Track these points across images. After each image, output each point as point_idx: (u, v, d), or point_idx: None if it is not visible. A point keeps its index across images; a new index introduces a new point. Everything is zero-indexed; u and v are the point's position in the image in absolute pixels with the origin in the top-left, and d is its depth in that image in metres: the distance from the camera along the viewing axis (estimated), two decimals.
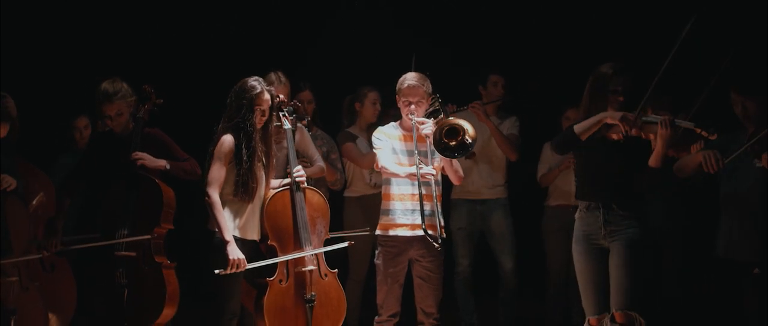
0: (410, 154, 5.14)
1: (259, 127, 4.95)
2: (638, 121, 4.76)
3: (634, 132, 4.76)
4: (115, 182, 5.27)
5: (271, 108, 5.02)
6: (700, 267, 5.94)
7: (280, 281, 4.98)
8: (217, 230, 4.84)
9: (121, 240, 5.13)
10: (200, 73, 7.10)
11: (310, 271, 5.01)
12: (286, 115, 5.31)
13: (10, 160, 4.97)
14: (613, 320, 4.79)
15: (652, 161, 4.75)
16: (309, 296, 4.98)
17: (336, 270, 5.16)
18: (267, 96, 4.97)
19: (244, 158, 4.87)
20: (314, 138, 5.91)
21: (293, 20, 7.51)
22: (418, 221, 5.07)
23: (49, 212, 5.22)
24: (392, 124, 5.31)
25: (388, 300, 5.16)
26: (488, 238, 6.42)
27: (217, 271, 4.76)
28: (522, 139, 6.45)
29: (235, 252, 4.80)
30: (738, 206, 4.90)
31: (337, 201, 6.25)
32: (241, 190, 4.89)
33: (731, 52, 4.90)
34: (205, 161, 5.04)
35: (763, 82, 4.90)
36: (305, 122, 5.71)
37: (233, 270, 4.79)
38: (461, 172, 5.25)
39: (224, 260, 4.78)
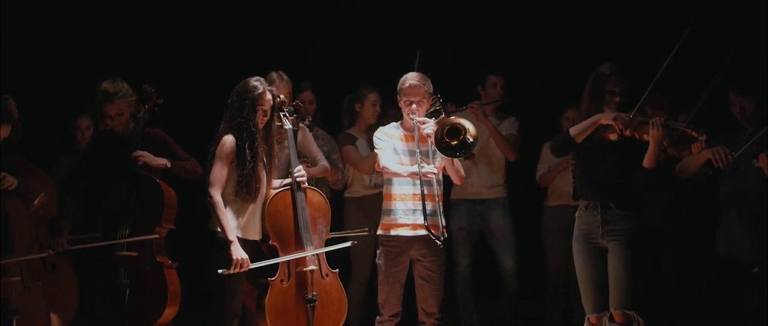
0: (412, 153, 5.14)
1: (261, 127, 4.96)
2: (634, 121, 4.79)
3: (628, 132, 4.79)
4: (116, 182, 5.27)
5: (273, 108, 5.03)
6: (700, 267, 5.95)
7: (282, 281, 4.99)
8: (219, 230, 4.84)
9: (123, 240, 5.13)
10: (201, 73, 7.09)
11: (312, 271, 5.01)
12: (287, 115, 5.31)
13: (11, 160, 4.98)
14: (611, 319, 4.82)
15: (646, 161, 4.77)
16: (310, 296, 4.98)
17: (337, 270, 5.16)
18: (269, 96, 4.97)
19: (248, 158, 4.88)
20: (315, 138, 5.92)
21: (294, 20, 7.50)
22: (420, 221, 5.07)
23: (50, 212, 5.22)
24: (393, 124, 5.31)
25: (389, 300, 5.17)
26: (488, 238, 6.43)
27: (220, 271, 4.76)
28: (521, 139, 6.45)
29: (238, 252, 4.81)
30: (738, 206, 4.92)
31: (337, 201, 6.25)
32: (244, 191, 4.90)
33: (731, 52, 4.92)
34: (205, 161, 5.05)
35: (761, 82, 4.92)
36: (306, 122, 5.71)
37: (237, 270, 4.80)
38: (462, 172, 5.26)
39: (227, 260, 4.79)
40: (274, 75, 5.72)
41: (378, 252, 5.24)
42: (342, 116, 6.58)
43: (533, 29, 7.41)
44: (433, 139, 5.00)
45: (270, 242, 5.04)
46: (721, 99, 4.99)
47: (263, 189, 5.03)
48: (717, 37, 6.19)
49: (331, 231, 5.23)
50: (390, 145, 5.19)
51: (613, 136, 4.82)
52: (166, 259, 5.21)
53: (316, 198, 5.19)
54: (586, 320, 4.95)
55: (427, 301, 5.18)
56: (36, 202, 5.11)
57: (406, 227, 5.12)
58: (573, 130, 4.90)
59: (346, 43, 7.29)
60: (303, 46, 7.39)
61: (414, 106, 5.11)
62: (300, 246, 5.03)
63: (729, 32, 6.37)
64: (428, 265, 5.15)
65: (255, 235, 5.03)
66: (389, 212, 5.17)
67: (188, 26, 7.26)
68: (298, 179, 5.10)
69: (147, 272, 5.14)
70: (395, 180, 5.17)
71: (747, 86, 4.92)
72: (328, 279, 5.10)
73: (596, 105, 4.92)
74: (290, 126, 5.27)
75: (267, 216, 5.04)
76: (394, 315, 5.19)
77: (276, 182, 5.17)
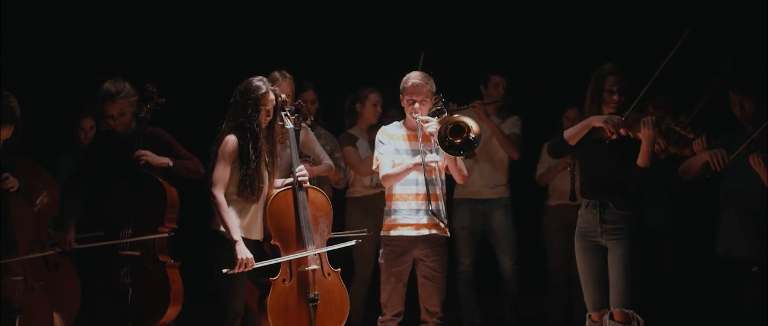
0: (414, 153, 5.13)
1: (263, 126, 4.96)
2: (628, 121, 4.82)
3: (623, 131, 4.83)
4: (118, 181, 5.27)
5: (275, 108, 5.03)
6: (700, 267, 5.96)
7: (284, 280, 4.99)
8: (224, 230, 4.85)
9: (127, 240, 5.13)
10: (203, 72, 7.09)
11: (313, 270, 5.01)
12: (289, 114, 5.32)
13: (13, 160, 4.97)
14: (612, 317, 4.85)
15: (640, 160, 4.81)
16: (312, 295, 4.98)
17: (339, 269, 5.16)
18: (272, 96, 4.98)
19: (252, 158, 4.88)
20: (318, 137, 5.91)
21: (296, 20, 7.51)
22: (423, 221, 5.09)
23: (52, 211, 5.22)
24: (396, 123, 5.31)
25: (391, 299, 5.17)
26: (490, 237, 6.44)
27: (224, 270, 4.77)
28: (523, 138, 6.46)
29: (243, 252, 4.81)
30: (738, 205, 4.93)
31: (339, 201, 6.25)
32: (247, 190, 4.90)
33: (731, 52, 4.94)
34: (207, 160, 5.05)
35: (761, 82, 4.93)
36: (308, 122, 5.71)
37: (241, 270, 4.80)
38: (465, 171, 5.26)
39: (231, 259, 4.79)
40: (276, 74, 5.73)
41: (380, 251, 5.24)
42: (343, 116, 6.58)
43: (533, 29, 7.42)
44: (436, 137, 5.01)
45: (272, 241, 5.04)
46: (724, 99, 5.01)
47: (266, 189, 5.04)
48: (717, 37, 6.20)
49: (332, 230, 5.23)
50: (391, 147, 5.17)
51: (612, 136, 4.85)
52: (169, 259, 5.22)
53: (318, 197, 5.19)
54: (588, 317, 4.99)
55: (430, 301, 5.18)
56: (38, 202, 5.11)
57: (409, 227, 5.12)
58: (567, 133, 4.97)
59: (348, 42, 7.29)
60: (305, 45, 7.39)
61: (417, 105, 5.11)
62: (302, 246, 5.03)
63: (729, 32, 6.39)
64: (431, 265, 5.16)
65: (257, 235, 5.04)
66: (392, 212, 5.17)
67: (190, 25, 7.26)
68: (299, 178, 5.10)
69: (149, 271, 5.14)
70: None
71: (747, 85, 4.94)
72: (330, 278, 5.10)
73: (596, 104, 4.97)
74: (292, 125, 5.27)
75: (269, 216, 5.04)
76: (397, 315, 5.18)
77: (278, 182, 5.17)
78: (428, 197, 4.98)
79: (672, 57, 4.75)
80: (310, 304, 4.97)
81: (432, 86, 5.18)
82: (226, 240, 4.84)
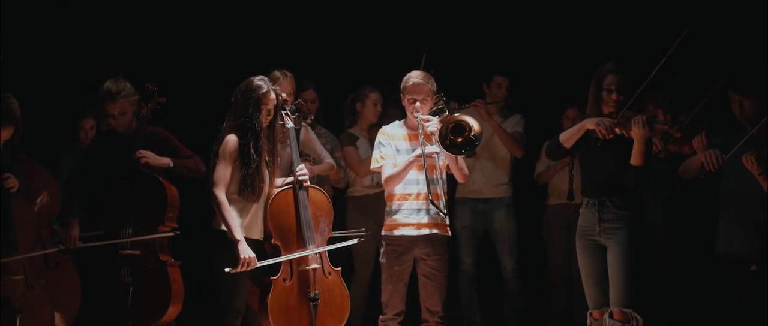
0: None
1: (264, 125, 4.96)
2: (622, 121, 4.84)
3: (618, 130, 4.85)
4: (118, 181, 5.27)
5: (276, 107, 5.04)
6: (700, 266, 5.96)
7: (284, 280, 4.99)
8: (226, 229, 4.85)
9: (128, 239, 5.12)
10: (203, 72, 7.10)
11: (314, 270, 5.01)
12: (289, 113, 5.32)
13: (14, 160, 4.97)
14: (611, 316, 4.88)
15: (633, 159, 4.83)
16: (313, 294, 4.98)
17: (339, 268, 5.16)
18: (273, 95, 4.98)
19: (253, 157, 4.88)
20: (318, 136, 5.91)
21: (297, 19, 7.51)
22: (424, 220, 5.10)
23: (52, 211, 5.22)
24: (396, 122, 5.30)
25: (392, 298, 5.16)
26: (491, 237, 6.44)
27: (227, 270, 4.77)
28: (526, 136, 6.46)
29: (246, 251, 4.82)
30: (738, 205, 4.95)
31: (339, 200, 6.25)
32: (248, 190, 4.90)
33: (732, 54, 4.95)
34: (208, 159, 5.05)
35: (761, 82, 4.94)
36: (309, 121, 5.71)
37: (244, 269, 4.81)
38: (466, 170, 5.25)
39: (233, 258, 4.79)
40: (277, 73, 5.71)
41: (381, 251, 5.24)
42: (343, 115, 6.59)
43: (533, 29, 7.43)
44: (437, 136, 5.01)
45: (272, 241, 5.04)
46: (724, 99, 5.02)
47: (266, 189, 5.04)
48: (718, 37, 6.22)
49: (332, 230, 5.22)
50: (392, 149, 5.17)
51: (609, 135, 4.88)
52: (170, 258, 5.22)
53: (319, 196, 5.19)
54: (589, 315, 5.03)
55: (431, 300, 5.18)
56: (38, 201, 5.11)
57: (410, 226, 5.11)
58: (562, 136, 5.02)
59: (349, 42, 7.30)
60: (306, 44, 7.39)
61: (417, 104, 5.10)
62: (302, 245, 5.03)
63: (730, 32, 6.40)
64: (432, 264, 5.15)
65: (257, 234, 5.04)
66: (393, 212, 5.16)
67: (190, 24, 7.26)
68: (300, 178, 5.10)
69: (150, 270, 5.14)
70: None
71: (746, 85, 4.95)
72: (330, 277, 5.10)
73: (596, 103, 5.00)
74: (292, 125, 5.27)
75: (269, 215, 5.04)
76: (398, 314, 5.18)
77: (278, 181, 5.17)
78: (428, 188, 4.97)
79: (669, 58, 4.76)
80: (311, 303, 4.97)
81: (433, 85, 5.17)
82: (228, 240, 4.84)
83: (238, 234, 4.84)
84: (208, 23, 7.32)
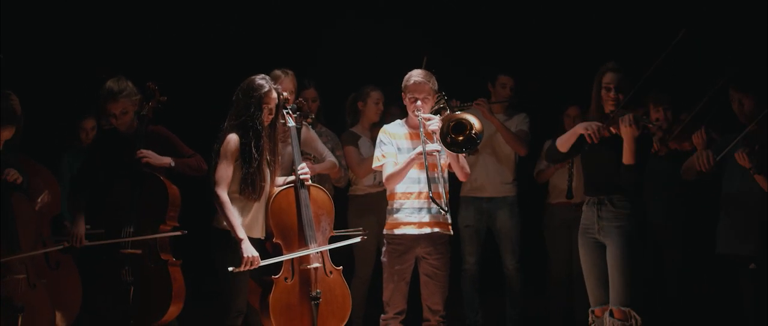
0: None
1: (266, 125, 4.97)
2: (614, 121, 4.85)
3: (613, 130, 4.88)
4: (119, 179, 5.26)
5: (277, 106, 5.04)
6: (700, 266, 5.96)
7: (286, 278, 4.99)
8: (229, 229, 4.84)
9: (130, 238, 5.12)
10: (204, 71, 7.10)
11: (315, 269, 5.01)
12: (290, 112, 5.32)
13: (15, 158, 4.97)
14: (611, 315, 4.90)
15: (624, 158, 4.86)
16: (314, 293, 4.98)
17: (341, 267, 5.16)
18: (275, 94, 4.98)
19: (254, 156, 4.88)
20: (318, 135, 5.92)
21: (298, 18, 7.51)
22: (425, 219, 5.10)
23: (53, 210, 5.22)
24: (397, 121, 5.31)
25: (394, 297, 5.17)
26: (494, 236, 6.44)
27: (230, 269, 4.77)
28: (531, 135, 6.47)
29: (249, 250, 4.82)
30: (738, 203, 4.96)
31: (341, 199, 6.25)
32: (249, 189, 4.91)
33: (733, 53, 4.97)
34: (209, 159, 5.05)
35: (760, 80, 4.96)
36: (309, 120, 5.71)
37: (247, 268, 4.81)
38: (467, 169, 5.26)
39: (236, 257, 4.79)
40: (278, 72, 5.70)
41: (383, 249, 5.24)
42: (345, 114, 6.59)
43: (533, 29, 7.43)
44: (438, 135, 5.01)
45: (274, 240, 5.05)
46: (726, 98, 5.04)
47: (268, 188, 5.04)
48: (719, 36, 6.22)
49: (334, 228, 5.23)
50: (393, 148, 5.17)
51: (606, 134, 4.90)
52: (171, 257, 5.21)
53: (320, 195, 5.19)
54: (590, 313, 5.05)
55: (432, 299, 5.19)
56: (39, 200, 5.11)
57: (411, 225, 5.12)
58: (558, 142, 5.07)
59: (349, 41, 7.30)
60: (306, 44, 7.39)
61: (419, 102, 5.11)
62: (304, 244, 5.03)
63: (730, 31, 6.41)
64: (433, 263, 5.16)
65: (259, 233, 5.04)
66: (394, 211, 5.17)
67: (191, 24, 7.26)
68: (301, 176, 5.10)
69: (151, 269, 5.13)
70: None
71: (746, 83, 4.96)
72: (332, 276, 5.11)
73: (597, 102, 5.04)
74: (294, 123, 5.27)
75: (270, 214, 5.04)
76: (399, 313, 5.18)
77: (279, 180, 5.17)
78: (429, 186, 4.99)
79: (665, 58, 4.78)
80: (312, 302, 4.97)
81: (434, 84, 5.18)
82: (230, 239, 4.85)
83: (241, 233, 4.84)
84: (208, 22, 7.32)
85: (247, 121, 4.90)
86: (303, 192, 5.09)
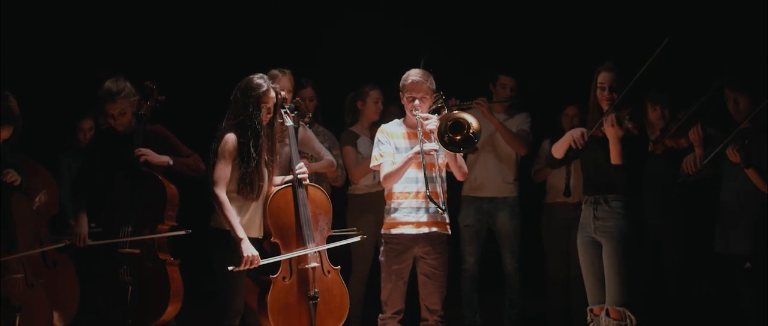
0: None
1: (264, 124, 4.96)
2: (600, 122, 4.88)
3: (608, 130, 4.88)
4: (118, 179, 5.26)
5: (275, 105, 5.04)
6: (699, 266, 5.97)
7: (284, 278, 4.99)
8: (228, 228, 4.84)
9: (133, 238, 5.11)
10: (202, 70, 7.10)
11: (313, 268, 5.01)
12: (288, 111, 5.32)
13: (14, 157, 4.98)
14: (608, 314, 4.92)
15: (612, 159, 4.88)
16: (312, 293, 4.98)
17: (339, 266, 5.16)
18: (273, 93, 4.98)
19: (253, 156, 4.88)
20: (316, 135, 5.91)
21: (296, 17, 7.51)
22: (423, 219, 5.10)
23: (51, 210, 5.23)
24: (395, 121, 5.31)
25: (392, 297, 5.17)
26: (495, 235, 6.44)
27: (230, 268, 4.77)
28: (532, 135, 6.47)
29: (249, 249, 4.82)
30: (737, 203, 4.97)
31: (339, 198, 6.24)
32: (247, 188, 4.90)
33: (731, 55, 4.97)
34: (207, 158, 5.04)
35: (756, 79, 4.97)
36: (306, 119, 5.71)
37: (247, 267, 4.81)
38: (465, 168, 5.26)
39: (235, 257, 4.79)
40: (275, 71, 5.71)
41: (381, 249, 5.24)
42: (344, 114, 6.59)
43: (532, 29, 7.43)
44: (436, 134, 5.01)
45: (272, 239, 5.04)
46: (722, 98, 5.04)
47: (266, 187, 5.04)
48: (717, 36, 6.22)
49: (332, 228, 5.22)
50: (391, 147, 5.17)
51: (605, 133, 4.91)
52: (169, 256, 5.21)
53: (318, 195, 5.19)
54: (589, 311, 5.06)
55: (430, 299, 5.19)
56: (37, 200, 5.12)
57: (409, 225, 5.12)
58: (553, 149, 5.16)
59: (348, 41, 7.30)
60: (305, 43, 7.39)
61: (417, 102, 5.11)
62: (302, 244, 5.03)
63: (728, 31, 6.40)
64: (432, 263, 5.16)
65: (256, 233, 5.03)
66: (392, 211, 5.17)
67: (190, 23, 7.26)
68: (299, 176, 5.10)
69: (149, 269, 5.13)
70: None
71: (741, 82, 4.97)
72: (329, 276, 5.10)
73: (594, 102, 5.05)
74: (291, 123, 5.27)
75: (268, 214, 5.04)
76: (397, 313, 5.19)
77: (277, 179, 5.17)
78: (427, 186, 4.98)
79: (652, 62, 4.78)
80: (310, 302, 4.97)
81: (432, 83, 5.18)
82: (229, 238, 4.84)
83: (241, 232, 4.84)
84: (207, 22, 7.32)
85: (246, 121, 4.90)
86: (301, 192, 5.09)
